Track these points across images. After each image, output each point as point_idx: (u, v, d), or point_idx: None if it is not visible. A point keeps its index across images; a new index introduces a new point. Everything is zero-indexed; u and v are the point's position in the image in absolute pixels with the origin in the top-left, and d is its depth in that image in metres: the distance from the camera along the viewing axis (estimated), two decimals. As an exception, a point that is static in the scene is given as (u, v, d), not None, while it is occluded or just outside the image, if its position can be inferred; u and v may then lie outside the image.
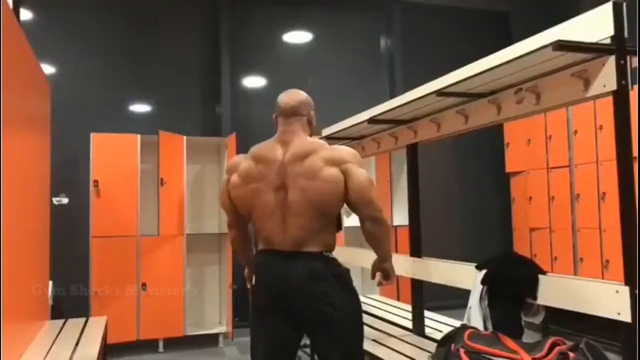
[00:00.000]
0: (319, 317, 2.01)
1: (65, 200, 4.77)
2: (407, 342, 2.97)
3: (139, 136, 4.81)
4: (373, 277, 2.29)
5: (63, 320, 3.55)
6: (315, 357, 3.22)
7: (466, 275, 2.61)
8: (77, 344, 2.96)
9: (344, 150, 2.10)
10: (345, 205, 2.09)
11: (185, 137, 4.97)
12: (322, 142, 2.15)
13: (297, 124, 2.18)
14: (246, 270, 2.45)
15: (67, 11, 5.45)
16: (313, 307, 2.00)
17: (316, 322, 2.03)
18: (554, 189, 5.16)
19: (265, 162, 2.11)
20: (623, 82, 1.83)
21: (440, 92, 2.43)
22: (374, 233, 2.08)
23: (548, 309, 2.33)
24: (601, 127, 4.61)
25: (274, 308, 2.07)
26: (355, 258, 3.79)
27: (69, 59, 5.44)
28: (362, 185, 2.02)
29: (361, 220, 2.08)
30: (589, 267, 4.72)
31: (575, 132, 4.91)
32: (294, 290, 2.01)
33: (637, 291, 1.77)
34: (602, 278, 4.47)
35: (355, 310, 2.10)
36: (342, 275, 2.06)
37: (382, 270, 2.23)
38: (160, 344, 4.80)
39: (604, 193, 4.59)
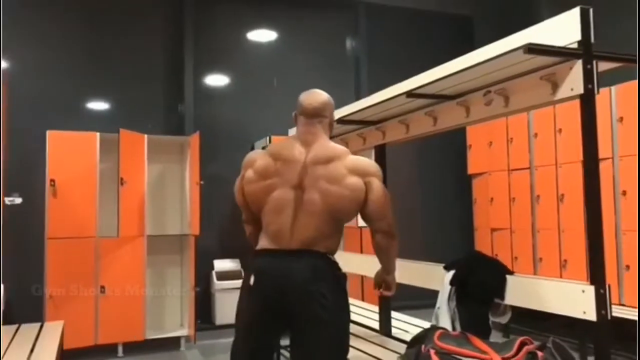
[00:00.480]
0: (312, 318, 1.98)
1: (18, 200, 4.56)
2: (374, 343, 2.97)
3: (98, 134, 4.66)
4: (376, 287, 2.38)
5: (16, 326, 3.40)
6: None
7: (434, 276, 2.63)
8: (32, 350, 2.83)
9: (368, 162, 2.15)
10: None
11: (146, 136, 4.84)
12: (345, 149, 2.17)
13: (319, 125, 2.19)
14: None
15: (25, 6, 5.22)
16: (309, 307, 1.97)
17: (308, 323, 2.00)
18: (514, 191, 5.28)
19: (284, 160, 2.10)
20: (590, 86, 1.86)
21: (410, 94, 2.43)
22: (385, 247, 2.17)
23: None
24: (560, 130, 4.74)
25: (269, 308, 2.02)
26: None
27: (26, 55, 5.22)
28: (382, 200, 2.10)
29: (373, 232, 2.15)
30: (547, 266, 4.84)
31: (536, 135, 5.03)
32: (295, 288, 1.98)
33: (602, 290, 1.81)
34: (561, 277, 4.60)
35: (345, 315, 2.10)
36: (340, 279, 2.06)
37: (385, 282, 2.32)
38: (120, 349, 4.66)
39: (562, 194, 4.72)
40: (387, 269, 2.28)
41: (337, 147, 2.16)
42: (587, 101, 1.87)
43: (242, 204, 2.23)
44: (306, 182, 2.05)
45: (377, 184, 2.09)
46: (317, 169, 2.06)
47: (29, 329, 3.32)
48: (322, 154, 2.09)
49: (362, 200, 2.06)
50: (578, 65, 1.88)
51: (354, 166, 2.08)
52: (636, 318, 3.75)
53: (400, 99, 2.56)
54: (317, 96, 2.23)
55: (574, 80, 1.90)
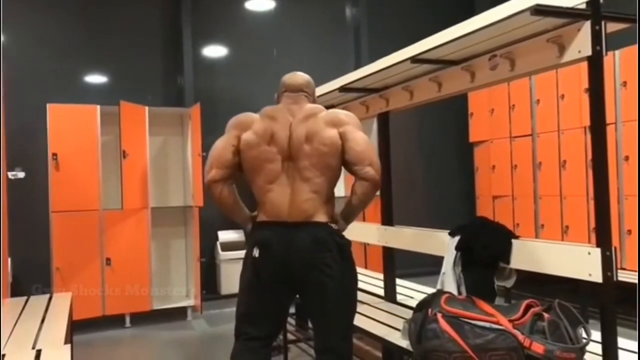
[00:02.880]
0: (317, 287, 2.04)
1: (21, 175, 4.56)
2: (380, 309, 3.01)
3: (98, 107, 4.63)
4: None
5: (25, 298, 3.43)
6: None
7: (437, 243, 2.64)
8: (42, 321, 2.86)
9: (341, 113, 2.19)
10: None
11: (147, 108, 4.81)
12: (321, 106, 2.21)
13: (304, 98, 2.22)
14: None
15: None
16: (313, 277, 2.03)
17: (313, 292, 2.07)
18: (516, 158, 5.27)
19: (281, 124, 2.12)
20: (598, 47, 1.84)
21: (414, 59, 2.41)
22: (363, 196, 2.10)
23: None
24: (563, 96, 4.71)
25: (275, 279, 2.07)
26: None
27: (24, 26, 5.15)
28: (362, 145, 2.08)
29: (357, 180, 2.11)
30: (549, 232, 4.87)
31: (538, 101, 5.00)
32: (298, 260, 2.02)
33: (608, 253, 1.82)
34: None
35: (352, 282, 2.14)
36: (343, 247, 2.09)
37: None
38: (127, 319, 4.73)
39: (564, 161, 4.71)
40: (347, 217, 2.18)
41: (314, 105, 2.21)
42: (595, 63, 1.85)
43: (224, 162, 2.13)
44: (294, 152, 2.07)
45: (352, 131, 2.10)
46: (300, 132, 2.08)
47: (38, 301, 3.34)
48: (302, 115, 2.13)
49: (340, 150, 2.08)
50: (586, 27, 1.85)
51: (329, 118, 2.12)
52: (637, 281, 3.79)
53: (404, 65, 2.53)
54: (300, 76, 2.30)
55: (581, 42, 1.87)
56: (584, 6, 1.85)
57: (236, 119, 2.20)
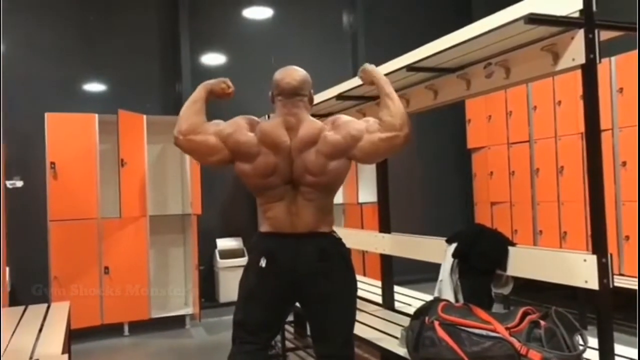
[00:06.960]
0: (322, 296, 2.06)
1: (19, 184, 4.58)
2: (378, 317, 3.01)
3: (96, 115, 4.64)
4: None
5: (23, 307, 3.43)
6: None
7: (435, 250, 2.64)
8: (40, 330, 2.86)
9: (341, 143, 2.01)
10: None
11: (145, 116, 4.82)
12: (320, 126, 2.05)
13: (300, 104, 2.10)
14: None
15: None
16: (318, 286, 2.04)
17: (318, 300, 2.08)
18: (514, 164, 5.28)
19: (280, 153, 2.03)
20: (592, 55, 1.85)
21: (410, 67, 2.42)
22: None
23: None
24: (559, 102, 4.73)
25: (280, 289, 2.07)
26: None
27: (22, 34, 5.16)
28: (372, 150, 2.02)
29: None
30: (547, 238, 4.87)
31: (535, 107, 5.02)
32: (304, 270, 2.03)
33: (604, 260, 1.83)
34: (561, 248, 4.63)
35: (353, 289, 2.16)
36: (345, 255, 2.12)
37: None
38: (126, 328, 4.72)
39: (562, 167, 4.73)
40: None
41: (311, 123, 2.06)
42: (589, 71, 1.87)
43: (216, 150, 2.18)
44: (297, 180, 2.04)
45: (360, 149, 2.02)
46: (301, 165, 2.02)
47: (36, 310, 3.33)
48: (300, 138, 2.03)
49: (349, 167, 2.08)
50: (580, 35, 1.87)
51: (332, 146, 2.01)
52: (636, 287, 3.79)
53: (400, 73, 2.55)
54: (295, 73, 2.14)
55: (575, 50, 1.89)
56: (577, 15, 1.86)
57: (249, 118, 2.19)
